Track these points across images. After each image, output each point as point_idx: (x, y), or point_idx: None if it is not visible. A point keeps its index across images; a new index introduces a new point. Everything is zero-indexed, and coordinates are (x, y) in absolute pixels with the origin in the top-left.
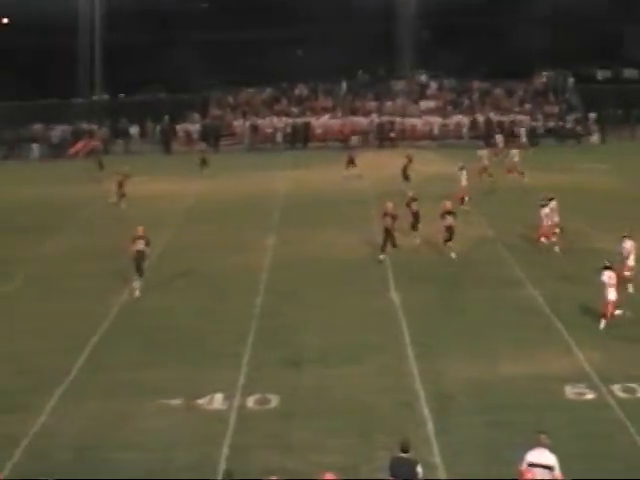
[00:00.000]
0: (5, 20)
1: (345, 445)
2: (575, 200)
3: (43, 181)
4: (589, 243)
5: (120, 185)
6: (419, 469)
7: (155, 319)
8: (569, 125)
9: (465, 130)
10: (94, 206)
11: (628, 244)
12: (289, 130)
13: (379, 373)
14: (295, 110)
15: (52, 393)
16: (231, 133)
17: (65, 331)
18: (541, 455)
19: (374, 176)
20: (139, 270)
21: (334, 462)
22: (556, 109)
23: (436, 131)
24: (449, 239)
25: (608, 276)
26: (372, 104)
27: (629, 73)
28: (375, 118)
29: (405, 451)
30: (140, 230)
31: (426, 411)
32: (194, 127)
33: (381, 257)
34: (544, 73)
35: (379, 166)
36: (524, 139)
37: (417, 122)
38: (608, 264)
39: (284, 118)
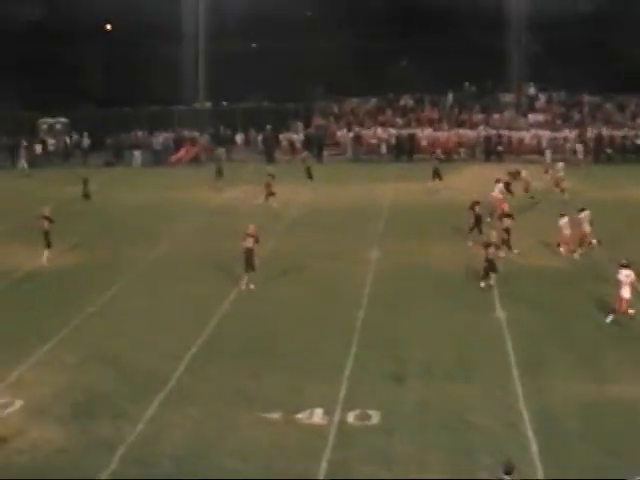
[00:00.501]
0: (108, 26)
1: (447, 463)
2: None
3: (149, 187)
4: None
5: (268, 185)
6: None
7: (257, 326)
8: None
9: (573, 144)
10: (202, 211)
11: None
12: (394, 141)
13: (483, 391)
14: (400, 121)
15: (152, 400)
16: (335, 143)
17: (167, 336)
18: None
19: (479, 189)
20: (250, 266)
21: None
22: None
23: (544, 145)
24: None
25: (625, 275)
26: (479, 116)
27: None
28: (482, 131)
29: (508, 473)
30: (251, 228)
31: (530, 432)
32: (297, 136)
33: (482, 284)
34: None
35: (484, 179)
36: (580, 155)
37: (525, 135)
38: (625, 263)
39: (389, 129)
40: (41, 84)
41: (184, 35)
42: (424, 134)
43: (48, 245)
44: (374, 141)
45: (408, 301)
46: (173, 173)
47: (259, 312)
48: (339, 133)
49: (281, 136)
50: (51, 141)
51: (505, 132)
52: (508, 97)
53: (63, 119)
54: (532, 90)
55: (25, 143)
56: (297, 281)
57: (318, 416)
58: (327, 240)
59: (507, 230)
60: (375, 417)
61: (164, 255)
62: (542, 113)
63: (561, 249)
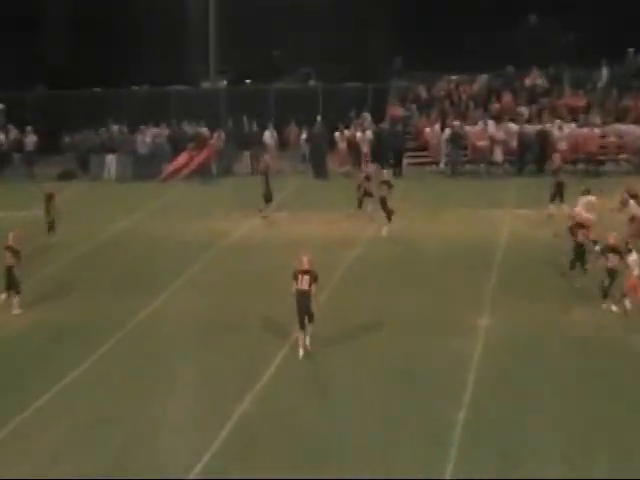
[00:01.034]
0: None
1: None
2: None
3: (132, 212)
4: None
5: (383, 201)
6: None
7: (302, 426)
8: None
9: None
10: (221, 250)
11: None
12: (515, 144)
13: None
14: (525, 111)
15: None
16: (421, 146)
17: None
18: None
19: None
20: (308, 316)
21: None
22: None
23: None
24: None
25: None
26: None
27: None
28: None
29: None
30: (305, 262)
31: None
32: (363, 135)
33: None
34: None
35: None
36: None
37: None
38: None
39: (508, 124)
40: None
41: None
42: (563, 132)
43: (12, 287)
44: (483, 143)
45: (535, 394)
46: (168, 191)
47: (303, 405)
48: (428, 130)
49: (337, 134)
50: None
51: None
52: None
53: None
54: None
55: None
56: (364, 360)
57: None
58: (412, 299)
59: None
60: None
61: (159, 316)
62: None
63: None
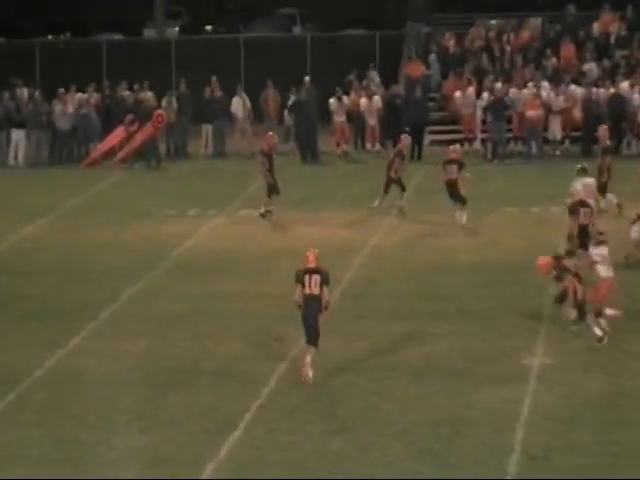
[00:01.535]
0: None
1: None
2: None
3: (48, 212)
4: None
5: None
6: None
7: None
8: None
9: None
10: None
11: None
12: (579, 113)
13: None
14: (593, 68)
15: None
16: (449, 117)
17: None
18: None
19: None
20: (314, 333)
21: None
22: None
23: None
24: None
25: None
26: None
27: None
28: None
29: None
30: (313, 258)
31: None
32: (369, 102)
33: None
34: None
35: None
36: None
37: None
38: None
39: (571, 87)
40: None
41: None
42: None
43: None
44: (536, 113)
45: None
46: (98, 181)
47: None
48: (459, 95)
49: (332, 102)
50: None
51: None
52: None
53: None
54: None
55: None
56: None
57: None
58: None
59: None
60: None
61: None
62: None
63: None
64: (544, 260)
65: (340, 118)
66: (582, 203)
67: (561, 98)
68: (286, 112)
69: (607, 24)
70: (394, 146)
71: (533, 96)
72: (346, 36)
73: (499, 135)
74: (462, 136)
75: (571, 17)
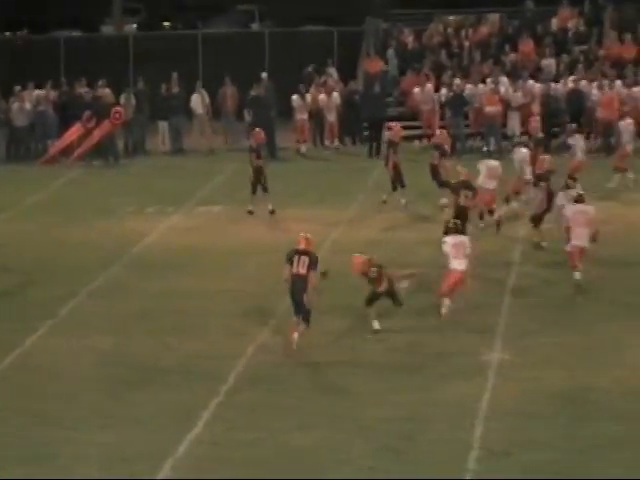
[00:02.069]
0: None
1: None
2: None
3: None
4: None
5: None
6: None
7: None
8: None
9: None
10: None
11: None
12: (537, 108)
13: None
14: (551, 63)
15: None
16: (408, 113)
17: None
18: None
19: None
20: (302, 311)
21: None
22: None
23: None
24: None
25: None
26: None
27: None
28: None
29: None
30: (304, 241)
31: None
32: (327, 98)
33: None
34: None
35: None
36: None
37: None
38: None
39: (529, 82)
40: None
41: None
42: (605, 93)
43: None
44: (494, 108)
45: None
46: (55, 179)
47: None
48: (417, 91)
49: (295, 99)
50: None
51: None
52: None
53: None
54: None
55: None
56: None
57: None
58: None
59: None
60: None
61: None
62: None
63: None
64: (358, 259)
65: (302, 116)
66: (465, 184)
67: (519, 94)
68: (247, 110)
69: (565, 19)
70: (353, 142)
71: (491, 92)
72: (305, 32)
73: (458, 131)
74: (420, 132)
75: (529, 13)
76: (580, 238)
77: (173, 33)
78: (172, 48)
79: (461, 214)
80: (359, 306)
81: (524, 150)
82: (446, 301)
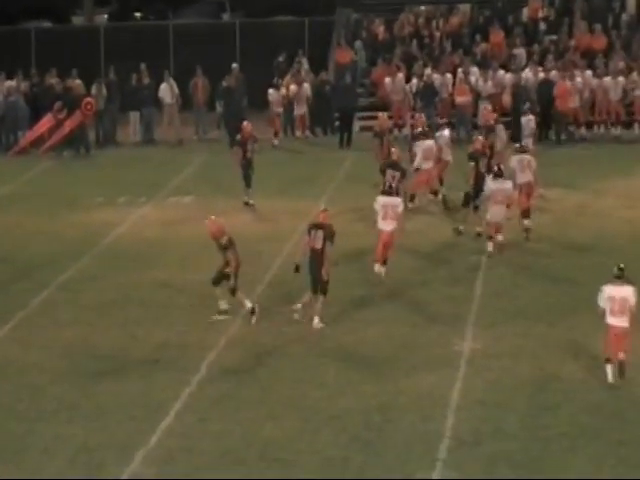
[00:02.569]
0: None
1: None
2: None
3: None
4: None
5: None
6: None
7: None
8: None
9: None
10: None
11: None
12: (508, 98)
13: None
14: (521, 53)
15: None
16: (379, 104)
17: None
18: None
19: None
20: (320, 283)
21: None
22: None
23: None
24: None
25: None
26: None
27: None
28: None
29: None
30: (321, 215)
31: None
32: (298, 88)
33: None
34: None
35: None
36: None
37: None
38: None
39: (500, 72)
40: None
41: None
42: (575, 83)
43: None
44: (464, 98)
45: None
46: (26, 170)
47: None
48: (388, 81)
49: (272, 92)
50: None
51: None
52: None
53: None
54: None
55: None
56: None
57: None
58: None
59: None
60: None
61: None
62: None
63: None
64: (214, 221)
65: (278, 109)
66: (392, 164)
67: (490, 84)
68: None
69: (536, 10)
70: (324, 133)
71: (462, 82)
72: (275, 22)
73: (428, 121)
74: (392, 122)
75: (500, 3)
76: (496, 214)
77: (144, 24)
78: (143, 39)
79: (386, 188)
80: (327, 297)
81: (447, 133)
82: (380, 268)
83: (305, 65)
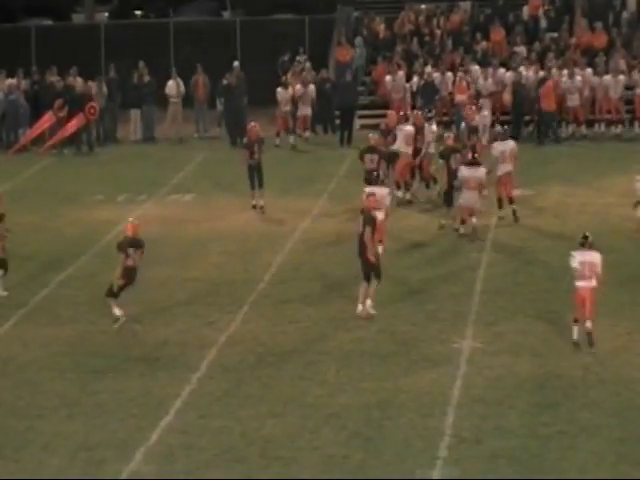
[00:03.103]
0: None
1: None
2: None
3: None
4: None
5: None
6: None
7: None
8: None
9: None
10: None
11: None
12: (508, 96)
13: None
14: (522, 51)
15: None
16: (379, 101)
17: None
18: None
19: None
20: (369, 267)
21: None
22: None
23: None
24: None
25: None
26: None
27: None
28: None
29: None
30: (372, 200)
31: None
32: (302, 88)
33: None
34: None
35: None
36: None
37: None
38: None
39: (500, 71)
40: None
41: None
42: (575, 82)
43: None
44: (465, 96)
45: None
46: (26, 168)
47: None
48: (389, 79)
49: (280, 92)
50: None
51: None
52: None
53: None
54: None
55: None
56: None
57: None
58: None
59: None
60: None
61: None
62: None
63: None
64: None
65: (286, 108)
66: (371, 149)
67: (490, 81)
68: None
69: (536, 7)
70: (325, 131)
71: (462, 80)
72: (276, 20)
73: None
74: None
75: (501, 1)
76: (468, 199)
77: (144, 22)
78: (143, 37)
79: (369, 176)
80: (329, 295)
81: (409, 127)
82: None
83: (307, 63)
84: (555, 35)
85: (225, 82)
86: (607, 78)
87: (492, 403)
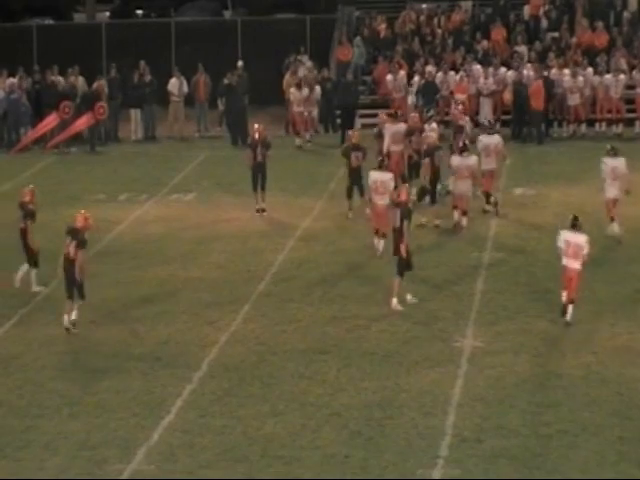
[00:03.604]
0: None
1: None
2: None
3: None
4: None
5: None
6: None
7: None
8: None
9: None
10: None
11: None
12: (509, 96)
13: None
14: (523, 51)
15: None
16: (380, 101)
17: None
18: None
19: None
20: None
21: None
22: None
23: None
24: None
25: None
26: None
27: None
28: None
29: None
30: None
31: None
32: (307, 92)
33: None
34: None
35: None
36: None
37: None
38: None
39: (501, 70)
40: None
41: None
42: (576, 81)
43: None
44: (462, 96)
45: None
46: (27, 167)
47: None
48: (390, 79)
49: (293, 92)
50: None
51: None
52: None
53: None
54: None
55: None
56: None
57: None
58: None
59: None
60: None
61: None
62: None
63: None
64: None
65: (299, 108)
66: (354, 147)
67: (491, 81)
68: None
69: (537, 7)
70: (326, 130)
71: (463, 79)
72: (277, 20)
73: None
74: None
75: (502, 0)
76: (460, 187)
77: (146, 21)
78: (145, 36)
79: (353, 173)
80: (330, 294)
81: (399, 126)
82: (379, 241)
83: (307, 63)
84: (556, 35)
85: (226, 82)
86: (608, 77)
87: (493, 402)
